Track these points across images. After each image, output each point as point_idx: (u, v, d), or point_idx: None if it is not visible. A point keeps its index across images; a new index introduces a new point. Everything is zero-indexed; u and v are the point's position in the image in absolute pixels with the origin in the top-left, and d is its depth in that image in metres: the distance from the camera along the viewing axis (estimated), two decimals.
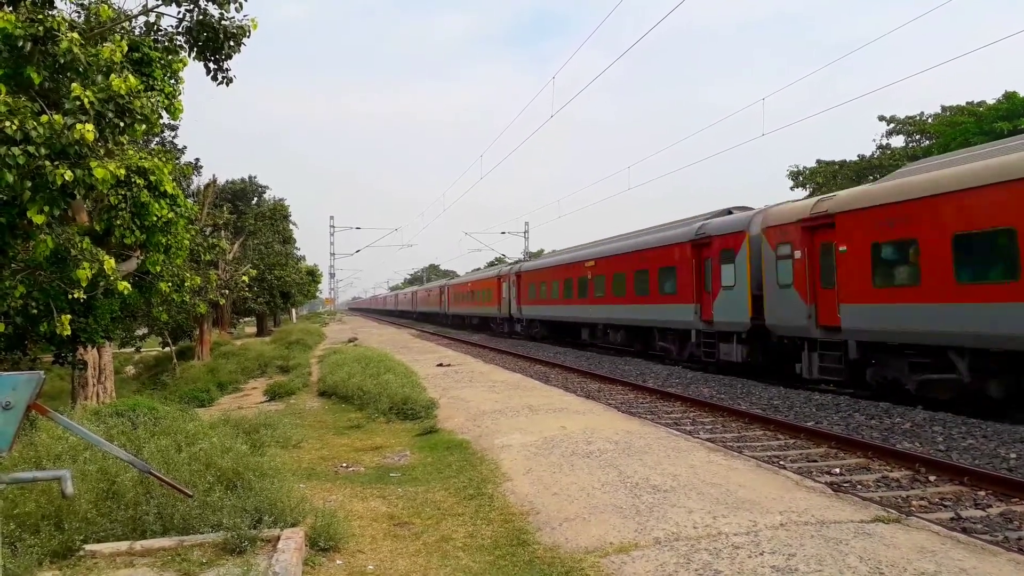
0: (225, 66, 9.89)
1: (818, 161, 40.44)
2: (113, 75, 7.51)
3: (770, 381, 15.78)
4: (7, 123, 6.50)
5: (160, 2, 8.96)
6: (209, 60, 9.81)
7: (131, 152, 9.09)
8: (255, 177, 46.22)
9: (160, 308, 13.88)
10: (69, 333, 8.32)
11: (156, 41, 9.84)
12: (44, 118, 6.80)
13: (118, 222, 8.99)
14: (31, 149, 6.64)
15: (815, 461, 8.83)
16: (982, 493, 7.29)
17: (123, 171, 7.84)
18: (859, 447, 9.21)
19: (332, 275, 68.87)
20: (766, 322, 15.92)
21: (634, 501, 6.14)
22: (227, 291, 27.67)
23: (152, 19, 9.85)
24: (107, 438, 5.96)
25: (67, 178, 6.89)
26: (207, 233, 22.10)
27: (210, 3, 9.31)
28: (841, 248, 13.70)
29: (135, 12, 9.69)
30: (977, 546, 4.92)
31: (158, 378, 23.84)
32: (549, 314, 31.24)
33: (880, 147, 39.28)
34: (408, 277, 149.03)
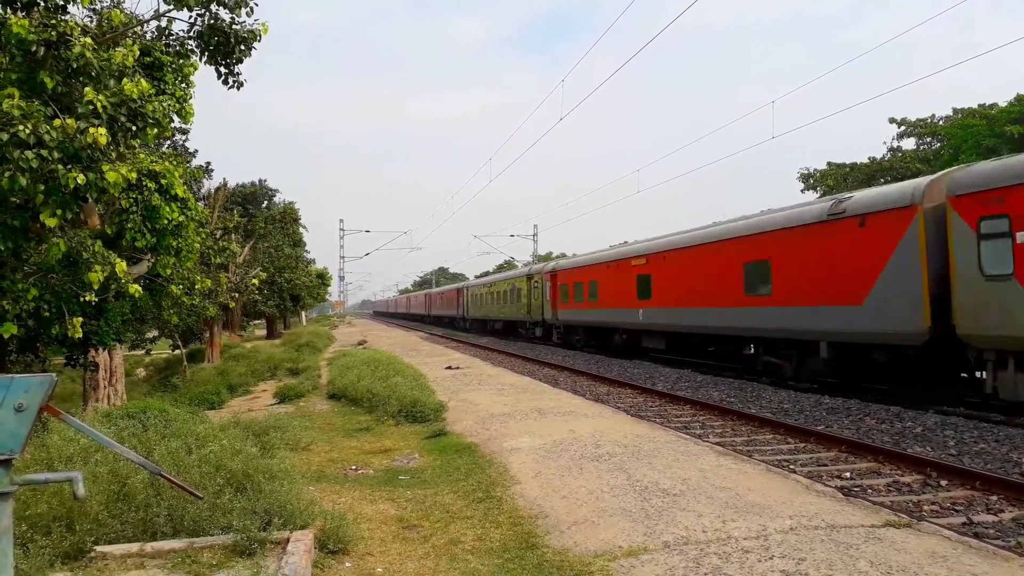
0: (236, 70, 9.95)
1: (829, 163, 40.29)
2: (125, 79, 7.56)
3: (779, 385, 15.74)
4: (21, 127, 6.55)
5: (171, 7, 9.01)
6: (220, 64, 9.86)
7: (142, 156, 9.16)
8: (265, 181, 46.38)
9: (170, 311, 13.95)
10: (81, 336, 8.38)
11: (168, 46, 9.90)
12: (57, 122, 6.85)
13: (129, 225, 9.06)
14: (44, 153, 6.69)
15: (825, 465, 8.78)
16: (994, 498, 7.23)
17: (134, 175, 7.89)
18: (870, 451, 9.15)
19: (341, 278, 69.12)
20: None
21: (643, 505, 6.13)
22: (237, 294, 27.79)
23: (164, 24, 9.93)
24: (118, 440, 6.00)
25: (79, 182, 6.93)
26: (217, 236, 22.21)
27: (221, 8, 9.36)
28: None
29: (147, 17, 9.77)
30: (989, 551, 4.89)
31: (168, 380, 23.94)
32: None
33: (891, 149, 39.10)
34: (417, 280, 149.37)
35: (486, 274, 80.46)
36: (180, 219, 9.58)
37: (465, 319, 55.80)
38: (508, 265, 72.78)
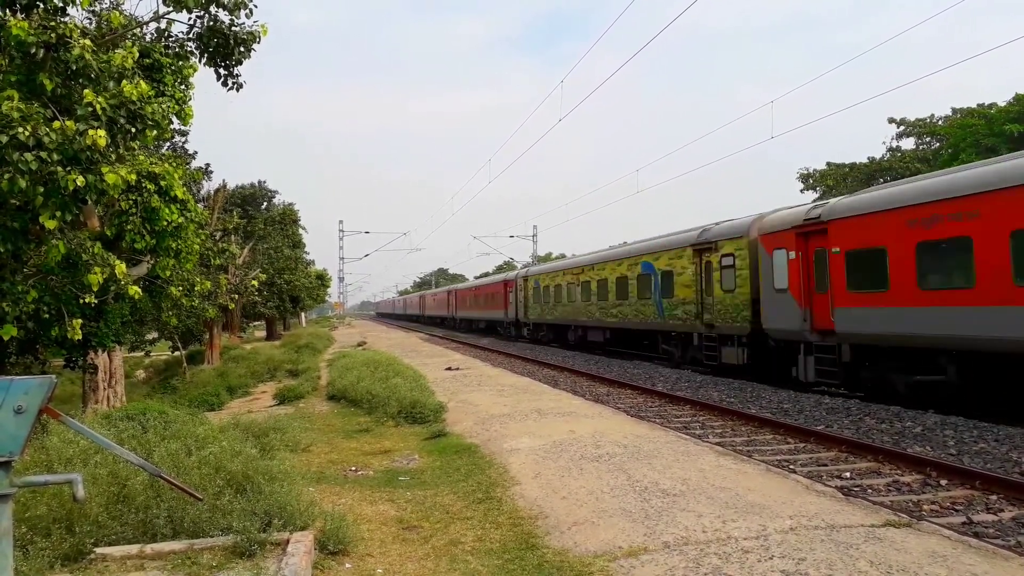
0: (235, 72, 9.94)
1: (828, 164, 40.34)
2: (125, 81, 7.55)
3: (778, 384, 15.71)
4: (20, 129, 6.54)
5: (171, 9, 9.00)
6: (219, 66, 9.85)
7: (142, 157, 9.14)
8: (265, 182, 46.36)
9: (170, 313, 13.93)
10: (80, 337, 8.36)
11: (167, 47, 9.88)
12: (56, 124, 6.85)
13: (129, 227, 9.04)
14: (43, 155, 6.68)
15: (825, 465, 8.78)
16: (994, 497, 7.23)
17: (134, 176, 7.88)
18: (870, 451, 9.15)
19: (341, 279, 69.11)
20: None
21: (643, 505, 6.13)
22: (237, 295, 27.78)
23: (163, 25, 9.90)
24: (118, 442, 5.99)
25: (79, 183, 6.92)
26: (217, 238, 22.21)
27: (220, 9, 9.35)
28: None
29: (146, 19, 9.76)
30: (989, 551, 4.89)
31: (168, 382, 23.96)
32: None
33: (890, 149, 39.15)
34: (417, 280, 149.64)
35: (501, 271, 64.56)
36: (180, 221, 9.57)
37: (518, 323, 39.25)
38: (508, 266, 69.60)
